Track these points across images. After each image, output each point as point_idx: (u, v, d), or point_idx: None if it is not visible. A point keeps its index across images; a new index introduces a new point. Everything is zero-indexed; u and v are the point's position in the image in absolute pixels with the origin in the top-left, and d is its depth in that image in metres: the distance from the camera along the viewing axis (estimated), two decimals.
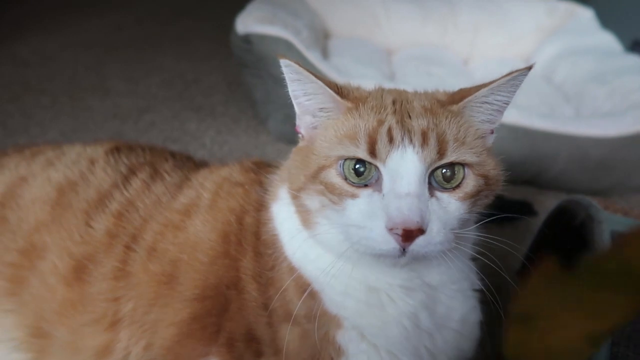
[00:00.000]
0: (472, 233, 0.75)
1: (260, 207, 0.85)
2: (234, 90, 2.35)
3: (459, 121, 0.70)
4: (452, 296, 0.80)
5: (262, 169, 0.93)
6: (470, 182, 0.69)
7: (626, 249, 0.29)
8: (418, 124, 0.68)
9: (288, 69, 0.72)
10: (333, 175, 0.69)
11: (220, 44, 2.61)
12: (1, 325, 0.87)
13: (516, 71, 0.69)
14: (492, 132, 0.76)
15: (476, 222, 0.75)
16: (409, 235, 0.62)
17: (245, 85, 2.09)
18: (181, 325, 0.79)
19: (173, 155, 1.06)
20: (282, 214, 0.81)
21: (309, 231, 0.75)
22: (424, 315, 0.77)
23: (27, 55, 2.67)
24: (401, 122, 0.68)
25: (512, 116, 1.56)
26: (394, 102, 0.72)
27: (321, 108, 0.74)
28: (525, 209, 1.53)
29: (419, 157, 0.65)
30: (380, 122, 0.68)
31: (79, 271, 0.85)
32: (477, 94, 0.71)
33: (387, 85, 0.85)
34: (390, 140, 0.66)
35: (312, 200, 0.72)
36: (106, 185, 0.93)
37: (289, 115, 0.84)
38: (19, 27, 3.01)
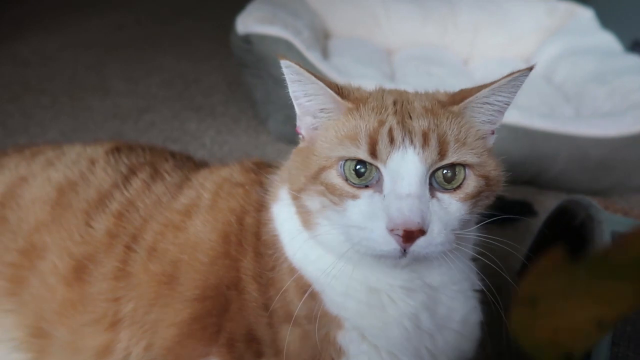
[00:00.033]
0: (472, 234, 0.75)
1: (261, 207, 0.85)
2: (234, 90, 2.35)
3: (459, 122, 0.70)
4: (453, 297, 0.80)
5: (262, 169, 0.93)
6: (471, 183, 0.69)
7: (635, 242, 0.30)
8: (419, 124, 0.68)
9: (288, 69, 0.72)
10: (334, 176, 0.69)
11: (220, 44, 2.61)
12: (1, 325, 0.87)
13: (517, 72, 0.69)
14: (492, 133, 0.76)
15: (477, 223, 0.75)
16: (409, 236, 0.62)
17: (246, 86, 2.09)
18: (181, 325, 0.79)
19: (173, 155, 1.06)
20: (283, 215, 0.81)
21: (310, 232, 0.75)
22: (424, 316, 0.77)
23: (27, 55, 2.67)
24: (402, 123, 0.68)
25: (512, 116, 1.56)
26: (394, 103, 0.72)
27: (322, 109, 0.74)
28: (526, 209, 1.53)
29: (420, 158, 0.65)
30: (381, 123, 0.68)
31: (79, 271, 0.85)
32: (478, 94, 0.71)
33: (388, 85, 0.85)
34: (391, 141, 0.66)
35: (313, 201, 0.72)
36: (106, 185, 0.93)
37: (290, 116, 0.84)
38: (19, 27, 3.01)
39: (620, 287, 0.31)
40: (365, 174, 0.67)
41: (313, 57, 1.75)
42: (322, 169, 0.70)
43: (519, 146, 1.57)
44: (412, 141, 0.66)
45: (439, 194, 0.67)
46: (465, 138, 0.69)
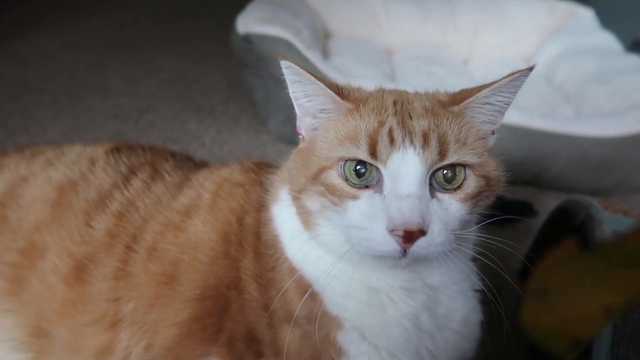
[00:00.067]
0: (472, 234, 0.75)
1: (261, 207, 0.85)
2: (234, 90, 2.35)
3: (460, 122, 0.70)
4: (453, 297, 0.80)
5: (262, 169, 0.93)
6: (472, 183, 0.69)
7: None
8: (419, 125, 0.68)
9: (288, 70, 0.72)
10: (334, 177, 0.69)
11: (220, 43, 2.60)
12: (1, 325, 0.87)
13: (518, 72, 0.69)
14: (493, 133, 0.76)
15: (477, 223, 0.75)
16: (410, 236, 0.62)
17: (246, 85, 2.09)
18: (182, 325, 0.79)
19: (173, 155, 1.06)
20: (283, 215, 0.81)
21: (310, 232, 0.75)
22: (424, 316, 0.77)
23: (27, 55, 2.67)
24: (402, 123, 0.68)
25: (512, 116, 1.56)
26: (394, 103, 0.72)
27: (322, 109, 0.74)
28: (526, 209, 1.53)
29: (420, 158, 0.65)
30: (381, 123, 0.68)
31: (80, 271, 0.85)
32: (478, 94, 0.71)
33: (388, 85, 0.85)
34: (391, 141, 0.66)
35: (313, 202, 0.72)
36: (106, 185, 0.93)
37: (290, 116, 0.84)
38: (20, 27, 3.01)
39: (630, 274, 0.31)
40: (366, 175, 0.67)
41: (313, 57, 1.75)
42: (322, 170, 0.70)
43: (519, 146, 1.57)
44: (412, 141, 0.66)
45: (439, 194, 0.67)
46: (466, 138, 0.69)
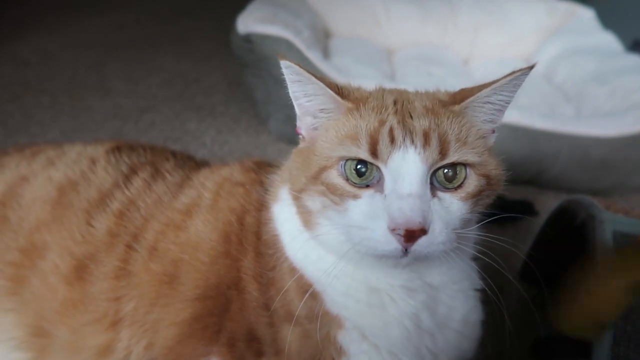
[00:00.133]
0: (473, 233, 0.75)
1: (261, 207, 0.85)
2: (234, 90, 2.35)
3: (460, 121, 0.70)
4: (454, 296, 0.80)
5: (262, 168, 0.93)
6: (472, 182, 0.69)
7: None
8: (420, 124, 0.68)
9: (288, 70, 0.72)
10: (334, 176, 0.69)
11: (220, 43, 2.61)
12: (2, 324, 0.87)
13: (518, 71, 0.69)
14: (493, 132, 0.76)
15: (478, 222, 0.75)
16: (411, 235, 0.62)
17: (246, 85, 2.09)
18: (182, 325, 0.79)
19: (174, 154, 1.06)
20: (283, 215, 0.81)
21: (311, 232, 0.75)
22: (425, 316, 0.77)
23: (27, 54, 2.67)
24: (403, 123, 0.68)
25: (513, 116, 1.56)
26: (395, 102, 0.72)
27: (322, 109, 0.74)
28: (526, 209, 1.53)
29: (421, 157, 0.65)
30: (382, 123, 0.68)
31: (80, 270, 0.85)
32: (479, 94, 0.71)
33: (388, 85, 0.84)
34: (392, 140, 0.66)
35: (314, 201, 0.72)
36: (107, 184, 0.93)
37: (290, 116, 0.84)
38: (20, 27, 3.01)
39: None
40: (366, 174, 0.67)
41: (314, 56, 1.75)
42: (323, 169, 0.70)
43: (519, 146, 1.57)
44: (412, 141, 0.66)
45: (440, 194, 0.67)
46: (466, 137, 0.69)
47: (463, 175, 0.69)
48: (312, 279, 0.76)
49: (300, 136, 0.79)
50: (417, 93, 0.78)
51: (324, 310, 0.76)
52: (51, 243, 0.87)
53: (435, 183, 0.67)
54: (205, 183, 0.92)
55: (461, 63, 2.37)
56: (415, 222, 0.62)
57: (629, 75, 1.84)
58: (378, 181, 0.67)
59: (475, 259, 0.81)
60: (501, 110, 0.74)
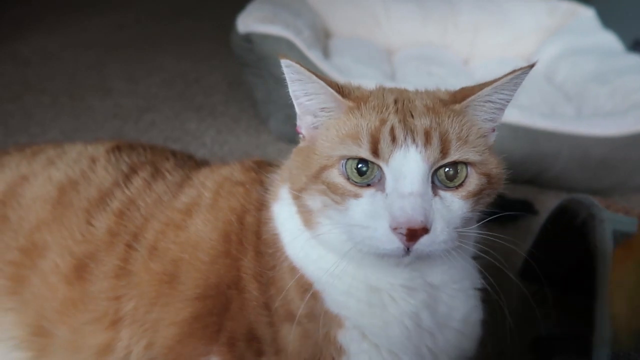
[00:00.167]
0: (474, 231, 0.75)
1: (261, 206, 0.85)
2: (234, 89, 2.35)
3: (461, 120, 0.70)
4: (454, 295, 0.80)
5: (262, 168, 0.93)
6: (473, 181, 0.69)
7: None
8: (421, 123, 0.67)
9: (289, 69, 0.72)
10: (335, 175, 0.69)
11: (220, 43, 2.60)
12: (2, 323, 0.87)
13: (519, 69, 0.69)
14: (493, 130, 0.76)
15: (478, 221, 0.75)
16: (413, 234, 0.62)
17: (246, 85, 2.09)
18: (182, 324, 0.79)
19: (174, 154, 1.06)
20: (283, 214, 0.81)
21: (311, 231, 0.75)
22: (425, 315, 0.77)
23: (27, 54, 2.67)
24: (404, 122, 0.68)
25: (513, 115, 1.56)
26: (395, 101, 0.72)
27: (322, 108, 0.74)
28: (526, 208, 1.53)
29: (422, 156, 0.65)
30: (383, 122, 0.68)
31: (80, 270, 0.85)
32: (480, 93, 0.71)
33: (388, 84, 0.84)
34: (393, 139, 0.66)
35: (314, 201, 0.72)
36: (107, 183, 0.93)
37: (290, 115, 0.84)
38: (20, 27, 3.01)
39: None
40: (367, 173, 0.67)
41: (314, 56, 1.75)
42: (324, 168, 0.70)
43: (519, 145, 1.57)
44: (414, 140, 0.66)
45: (441, 192, 0.67)
46: (467, 136, 0.69)
47: (464, 174, 0.69)
48: (313, 278, 0.76)
49: (301, 135, 0.79)
50: (417, 92, 0.78)
51: (324, 309, 0.75)
52: (51, 242, 0.87)
53: (437, 182, 0.67)
54: (206, 182, 0.92)
55: (461, 63, 2.37)
56: (417, 221, 0.62)
57: (629, 75, 1.84)
58: (379, 180, 0.67)
59: (476, 257, 0.81)
60: (501, 109, 0.74)
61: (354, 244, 0.68)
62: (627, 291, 0.73)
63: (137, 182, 0.93)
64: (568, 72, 2.06)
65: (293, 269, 0.77)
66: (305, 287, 0.76)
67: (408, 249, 0.64)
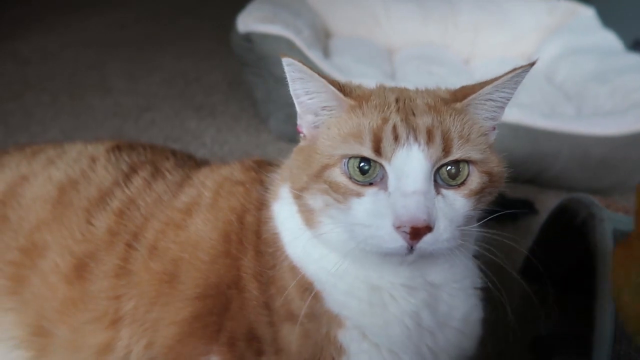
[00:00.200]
0: (476, 229, 0.75)
1: (261, 205, 0.85)
2: (234, 89, 2.35)
3: (462, 118, 0.70)
4: (454, 294, 0.80)
5: (263, 167, 0.92)
6: (475, 179, 0.69)
7: None
8: (423, 121, 0.67)
9: (290, 67, 0.71)
10: (337, 174, 0.68)
11: (220, 42, 2.60)
12: (2, 323, 0.87)
13: (519, 68, 0.69)
14: (494, 129, 0.76)
15: (479, 220, 0.75)
16: (416, 233, 0.62)
17: (246, 84, 2.09)
18: (182, 324, 0.79)
19: (174, 153, 1.06)
20: (284, 213, 0.80)
21: (312, 231, 0.74)
22: (425, 314, 0.77)
23: (27, 53, 2.67)
24: (406, 120, 0.67)
25: (513, 115, 1.56)
26: (397, 100, 0.72)
27: (324, 106, 0.74)
28: (527, 207, 1.53)
29: (425, 154, 0.65)
30: (385, 120, 0.68)
31: (80, 269, 0.85)
32: (481, 91, 0.71)
33: (388, 84, 0.84)
34: (396, 138, 0.66)
35: (316, 200, 0.71)
36: (107, 183, 0.93)
37: (291, 114, 0.83)
38: (20, 26, 3.01)
39: None
40: (369, 172, 0.67)
41: (314, 56, 1.75)
42: (325, 167, 0.70)
43: (520, 145, 1.57)
44: (416, 138, 0.66)
45: (443, 191, 0.67)
46: (469, 134, 0.69)
47: (466, 172, 0.69)
48: (313, 277, 0.76)
49: (301, 134, 0.79)
50: (418, 91, 0.78)
51: (324, 309, 0.75)
52: (51, 242, 0.87)
53: (439, 180, 0.67)
54: (206, 182, 0.92)
55: (462, 62, 2.37)
56: (420, 219, 0.62)
57: (629, 74, 1.84)
58: (381, 179, 0.67)
59: (477, 256, 0.81)
60: (502, 107, 0.74)
61: (357, 243, 0.67)
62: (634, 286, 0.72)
63: (137, 181, 0.93)
64: (568, 72, 2.06)
65: (293, 268, 0.77)
66: (306, 286, 0.76)
67: (411, 247, 0.63)
